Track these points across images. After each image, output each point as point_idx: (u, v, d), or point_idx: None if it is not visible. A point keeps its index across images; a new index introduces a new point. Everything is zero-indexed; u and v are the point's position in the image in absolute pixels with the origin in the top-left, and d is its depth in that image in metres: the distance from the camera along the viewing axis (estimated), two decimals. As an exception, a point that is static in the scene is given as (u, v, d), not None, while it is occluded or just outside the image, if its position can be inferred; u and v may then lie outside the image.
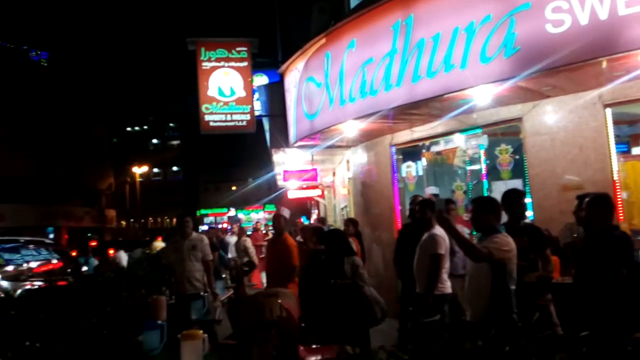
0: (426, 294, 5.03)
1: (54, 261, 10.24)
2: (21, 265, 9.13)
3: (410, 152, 8.68)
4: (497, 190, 6.92)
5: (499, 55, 5.46)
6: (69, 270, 10.09)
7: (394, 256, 6.37)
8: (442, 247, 5.01)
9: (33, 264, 9.49)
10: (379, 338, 5.31)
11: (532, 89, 5.98)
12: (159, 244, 12.98)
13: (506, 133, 7.24)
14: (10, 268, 8.92)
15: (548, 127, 6.40)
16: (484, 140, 7.53)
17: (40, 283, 8.78)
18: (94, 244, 17.38)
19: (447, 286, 5.12)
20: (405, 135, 8.40)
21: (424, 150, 8.54)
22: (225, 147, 61.99)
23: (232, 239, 13.41)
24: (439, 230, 5.05)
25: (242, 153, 66.99)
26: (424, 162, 8.64)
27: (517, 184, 6.73)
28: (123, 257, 11.79)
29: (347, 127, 8.01)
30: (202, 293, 6.32)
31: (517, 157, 6.99)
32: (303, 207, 27.81)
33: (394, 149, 8.74)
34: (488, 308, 3.63)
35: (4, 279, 8.59)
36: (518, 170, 6.93)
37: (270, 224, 14.48)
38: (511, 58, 5.38)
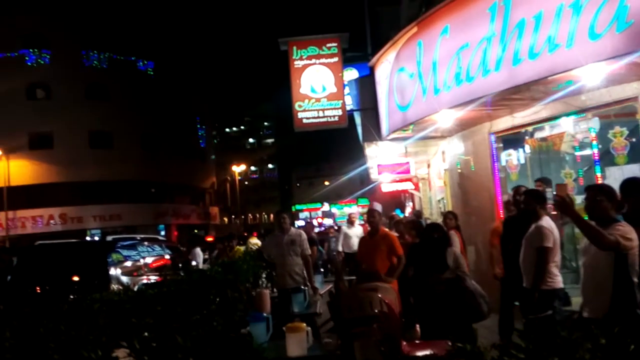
0: (533, 289, 4.78)
1: (167, 257, 11.02)
2: (138, 261, 9.91)
3: (512, 139, 8.24)
4: (612, 176, 6.36)
5: (610, 30, 5.00)
6: (180, 265, 10.79)
7: (500, 250, 6.10)
8: (549, 240, 4.72)
9: (148, 260, 10.27)
10: (483, 334, 5.12)
11: (649, 65, 5.42)
12: (255, 240, 13.48)
13: (620, 114, 6.63)
14: (128, 264, 9.69)
15: (671, 105, 5.77)
16: (594, 123, 6.95)
17: (155, 278, 9.48)
18: (210, 239, 18.48)
19: (557, 281, 4.82)
20: (505, 122, 7.99)
21: (526, 137, 8.07)
22: (317, 142, 63.01)
23: (350, 231, 12.53)
24: (545, 222, 4.78)
25: (334, 148, 67.80)
26: (527, 149, 8.16)
27: (634, 169, 6.15)
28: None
29: (441, 117, 7.78)
30: (302, 287, 6.47)
31: (634, 140, 6.38)
32: (397, 200, 27.43)
33: (493, 137, 8.35)
34: (610, 303, 3.36)
35: (123, 274, 9.37)
36: (635, 154, 6.32)
37: (362, 218, 14.34)
38: (624, 33, 4.90)
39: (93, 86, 33.31)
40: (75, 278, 8.44)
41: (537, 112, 7.29)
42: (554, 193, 3.93)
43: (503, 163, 8.35)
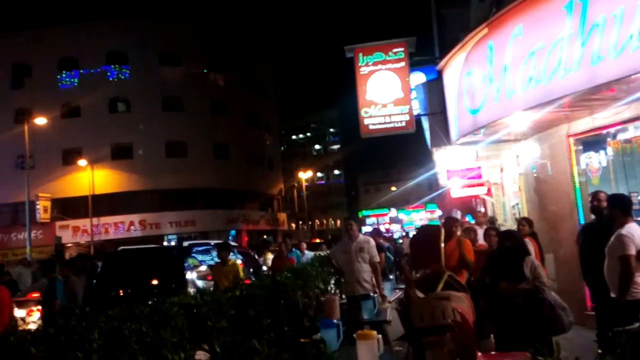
0: (617, 300, 4.54)
1: (239, 262, 11.32)
2: (212, 265, 10.25)
3: (592, 141, 7.80)
4: None
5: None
6: (251, 270, 11.05)
7: (580, 259, 5.80)
8: (631, 247, 4.47)
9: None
10: (563, 345, 4.86)
11: None
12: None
13: None
14: (203, 268, 10.06)
15: None
16: (686, 123, 6.45)
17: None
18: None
19: (643, 291, 4.54)
20: (584, 124, 7.57)
21: (608, 139, 7.61)
22: (384, 147, 62.62)
23: None
24: (627, 230, 4.55)
25: (401, 153, 67.09)
26: (609, 151, 7.69)
27: None
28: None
29: (515, 119, 7.51)
30: (371, 294, 6.43)
31: None
32: (467, 205, 26.66)
33: (571, 140, 7.94)
34: None
35: (199, 278, 9.73)
36: None
37: (434, 224, 14.05)
38: None
39: (169, 98, 35.00)
40: (154, 282, 8.85)
41: (619, 112, 6.87)
42: None
43: (583, 167, 7.92)
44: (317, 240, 30.14)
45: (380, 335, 4.20)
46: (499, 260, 5.03)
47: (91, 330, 3.01)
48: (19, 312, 8.32)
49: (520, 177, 10.44)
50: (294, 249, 11.19)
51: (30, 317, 8.60)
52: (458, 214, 6.19)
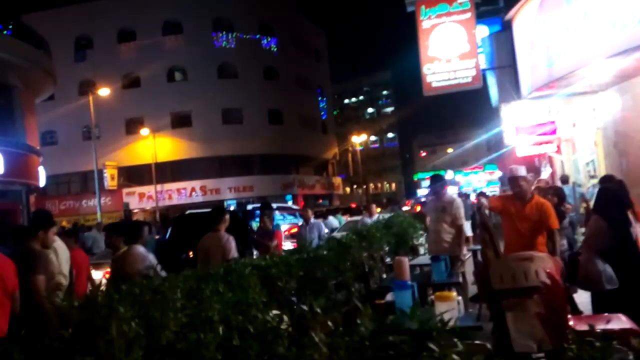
0: None
1: (300, 224, 11.42)
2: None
3: (684, 90, 7.13)
4: None
5: None
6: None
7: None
8: None
9: (283, 227, 10.73)
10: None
11: None
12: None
13: None
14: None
15: None
16: None
17: (291, 244, 9.86)
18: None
19: None
20: (676, 70, 6.91)
21: None
22: (439, 108, 60.93)
23: None
24: None
25: (458, 113, 65.11)
26: None
27: None
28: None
29: (596, 69, 6.93)
30: (447, 255, 6.19)
31: None
32: (530, 164, 25.44)
33: (659, 89, 7.30)
34: None
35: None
36: None
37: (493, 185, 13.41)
38: None
39: (223, 66, 35.23)
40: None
41: None
42: None
43: (672, 118, 7.28)
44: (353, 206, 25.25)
45: (460, 297, 4.05)
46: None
47: (173, 290, 3.01)
48: (96, 274, 8.72)
49: (598, 131, 9.77)
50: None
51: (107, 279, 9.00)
52: (522, 171, 5.16)
